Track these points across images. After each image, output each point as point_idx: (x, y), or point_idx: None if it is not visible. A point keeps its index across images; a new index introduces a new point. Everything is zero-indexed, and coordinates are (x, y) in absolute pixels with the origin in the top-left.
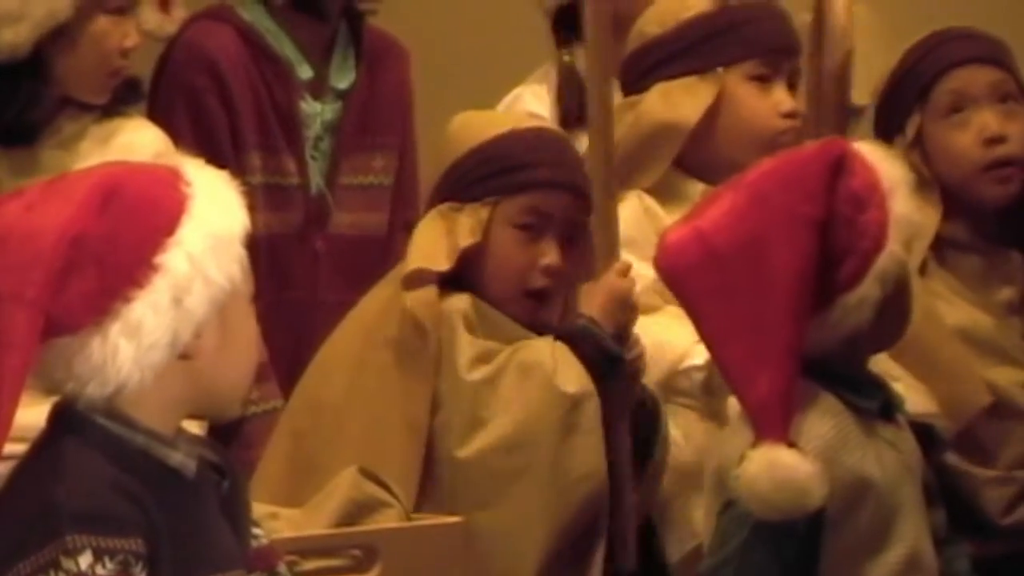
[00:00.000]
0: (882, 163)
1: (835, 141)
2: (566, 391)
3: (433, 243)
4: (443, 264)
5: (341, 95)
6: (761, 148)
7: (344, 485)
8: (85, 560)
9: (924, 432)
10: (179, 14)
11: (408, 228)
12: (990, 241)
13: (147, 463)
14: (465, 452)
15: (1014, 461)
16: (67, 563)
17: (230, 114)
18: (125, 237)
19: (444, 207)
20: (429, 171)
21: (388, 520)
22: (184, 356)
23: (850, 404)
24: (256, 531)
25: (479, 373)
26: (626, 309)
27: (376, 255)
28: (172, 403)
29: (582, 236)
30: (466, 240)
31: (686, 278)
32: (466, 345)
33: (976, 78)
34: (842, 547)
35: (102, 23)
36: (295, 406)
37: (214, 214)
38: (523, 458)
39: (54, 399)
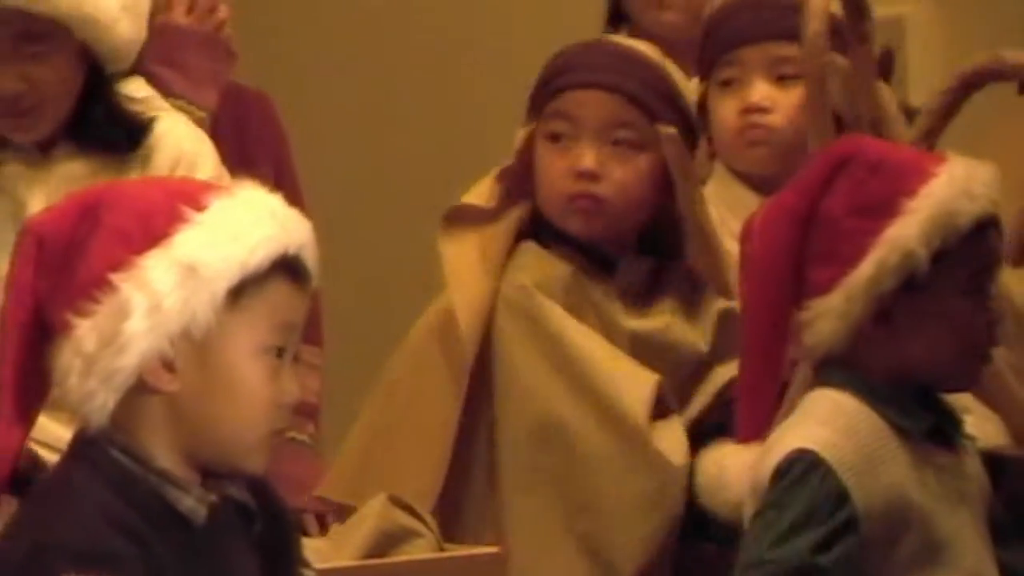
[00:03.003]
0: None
1: (852, 139)
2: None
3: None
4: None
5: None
6: (736, 149)
7: (373, 514)
8: None
9: (995, 464)
10: None
11: None
12: None
13: (156, 504)
14: None
15: None
16: None
17: None
18: (91, 250)
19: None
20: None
21: (420, 551)
22: (150, 388)
23: (894, 425)
24: (308, 573)
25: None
26: None
27: None
28: (175, 446)
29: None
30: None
31: None
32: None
33: None
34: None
35: None
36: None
37: (203, 246)
38: None
39: None
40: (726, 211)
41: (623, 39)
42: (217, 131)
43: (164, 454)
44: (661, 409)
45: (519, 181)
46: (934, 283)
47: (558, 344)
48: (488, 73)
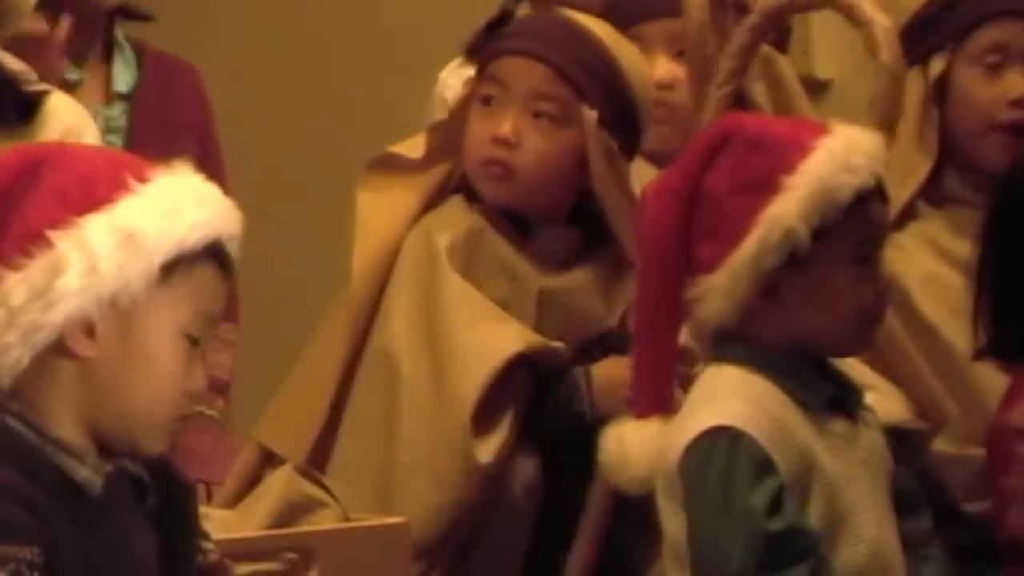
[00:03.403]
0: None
1: (733, 117)
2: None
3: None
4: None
5: (125, 97)
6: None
7: (278, 484)
8: None
9: (900, 439)
10: None
11: None
12: (977, 193)
13: (52, 474)
14: None
15: (973, 436)
16: None
17: None
18: (29, 205)
19: None
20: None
21: (325, 521)
22: (66, 351)
23: (795, 398)
24: (207, 545)
25: None
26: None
27: None
28: (77, 415)
29: None
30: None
31: None
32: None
33: (1020, 35)
34: None
35: None
36: None
37: (145, 216)
38: None
39: None
40: None
41: (578, 14)
42: (142, 101)
43: (64, 423)
44: (514, 383)
45: (452, 137)
46: (817, 257)
47: (432, 298)
48: (422, 55)
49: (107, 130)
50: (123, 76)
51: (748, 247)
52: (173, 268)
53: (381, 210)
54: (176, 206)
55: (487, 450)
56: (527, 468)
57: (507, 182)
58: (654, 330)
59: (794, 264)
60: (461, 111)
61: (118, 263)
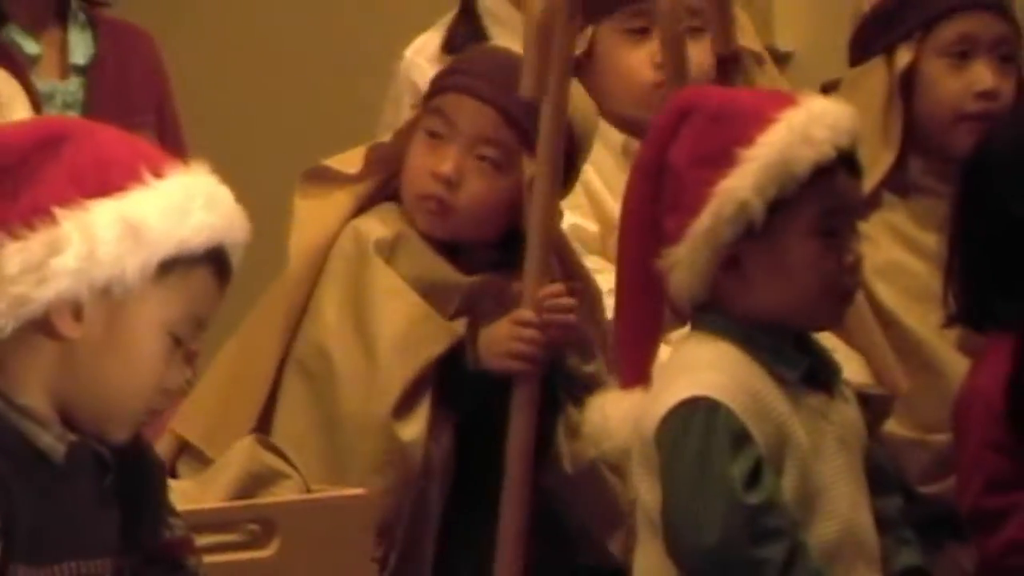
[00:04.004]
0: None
1: (696, 89)
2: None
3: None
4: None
5: (82, 71)
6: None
7: (240, 455)
8: None
9: (861, 403)
10: None
11: None
12: (942, 182)
13: (15, 440)
14: None
15: (933, 422)
16: None
17: None
18: (42, 178)
19: None
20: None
21: (287, 492)
22: (50, 329)
23: (771, 371)
24: (174, 521)
25: None
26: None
27: None
28: (49, 392)
29: None
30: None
31: None
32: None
33: (987, 27)
34: None
35: None
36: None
37: (152, 211)
38: None
39: None
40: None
41: None
42: (99, 73)
43: (32, 393)
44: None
45: (390, 156)
46: (776, 230)
47: (362, 288)
48: (377, 22)
49: (64, 105)
50: (79, 47)
51: (704, 220)
52: (171, 267)
53: (317, 211)
54: (185, 206)
55: (409, 430)
56: (443, 435)
57: (442, 218)
58: (634, 302)
59: (753, 237)
60: (405, 136)
61: (117, 253)
